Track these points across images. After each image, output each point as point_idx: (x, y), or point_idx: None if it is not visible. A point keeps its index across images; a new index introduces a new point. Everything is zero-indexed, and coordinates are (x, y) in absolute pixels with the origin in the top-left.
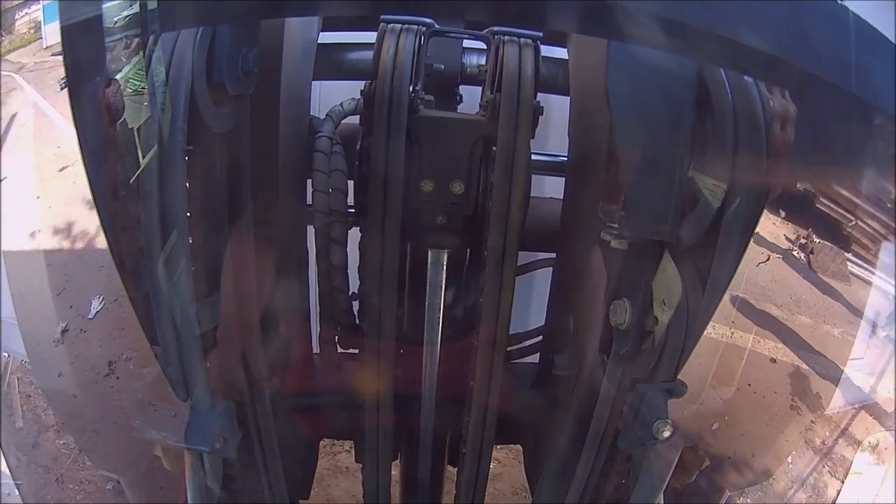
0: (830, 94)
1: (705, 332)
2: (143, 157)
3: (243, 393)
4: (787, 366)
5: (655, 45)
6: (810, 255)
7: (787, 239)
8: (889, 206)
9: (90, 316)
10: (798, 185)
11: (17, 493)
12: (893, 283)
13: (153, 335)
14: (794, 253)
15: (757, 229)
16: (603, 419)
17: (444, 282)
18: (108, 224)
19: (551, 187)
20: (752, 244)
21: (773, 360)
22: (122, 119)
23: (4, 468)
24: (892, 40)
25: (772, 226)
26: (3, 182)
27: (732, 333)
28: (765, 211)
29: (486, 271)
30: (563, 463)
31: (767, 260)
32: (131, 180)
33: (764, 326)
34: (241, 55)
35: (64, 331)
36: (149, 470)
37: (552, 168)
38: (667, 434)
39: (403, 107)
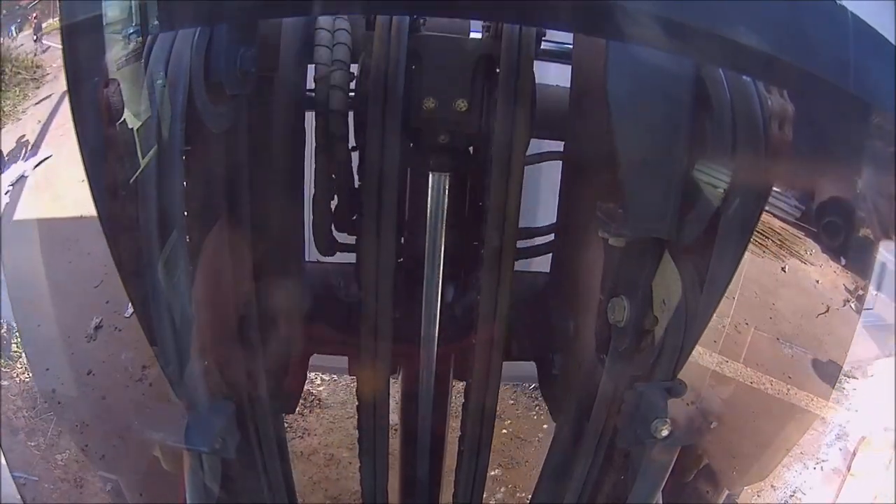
0: (829, 95)
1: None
2: (143, 157)
3: (242, 392)
4: (835, 427)
5: (655, 45)
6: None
7: (847, 289)
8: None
9: (127, 314)
10: (860, 232)
11: (18, 493)
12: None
13: (153, 335)
14: (852, 305)
15: (817, 277)
16: (601, 417)
17: (445, 207)
18: (108, 224)
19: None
20: (813, 292)
21: (826, 422)
22: (121, 119)
23: (4, 468)
24: (892, 40)
25: (832, 274)
26: (48, 160)
27: (788, 390)
28: (825, 258)
29: (483, 266)
30: (562, 461)
31: (826, 312)
32: (131, 180)
33: (818, 384)
34: (238, 55)
35: (97, 326)
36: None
37: (560, 55)
38: (665, 433)
39: (404, 26)
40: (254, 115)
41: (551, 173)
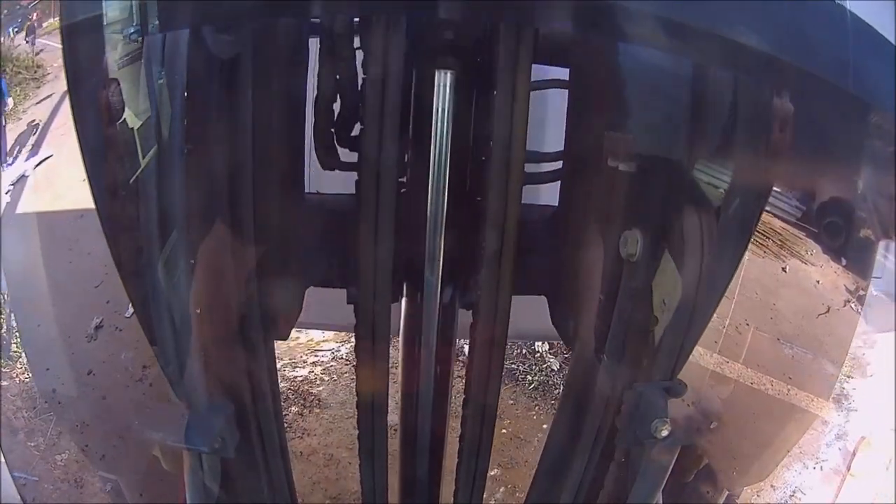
0: (829, 95)
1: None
2: (143, 157)
3: (244, 392)
4: (836, 428)
5: (655, 45)
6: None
7: (847, 290)
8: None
9: (128, 314)
10: (861, 233)
11: (18, 493)
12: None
13: (153, 335)
14: (852, 305)
15: (818, 278)
16: (599, 416)
17: (451, 107)
18: (108, 224)
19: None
20: (814, 292)
21: (826, 422)
22: (122, 119)
23: (4, 468)
24: (892, 40)
25: (833, 275)
26: (48, 160)
27: (789, 390)
28: (826, 259)
29: (483, 268)
30: (558, 460)
31: (827, 312)
32: (131, 180)
33: (819, 384)
34: None
35: (98, 327)
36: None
37: None
38: (665, 433)
39: None
40: (258, 43)
41: (557, 100)
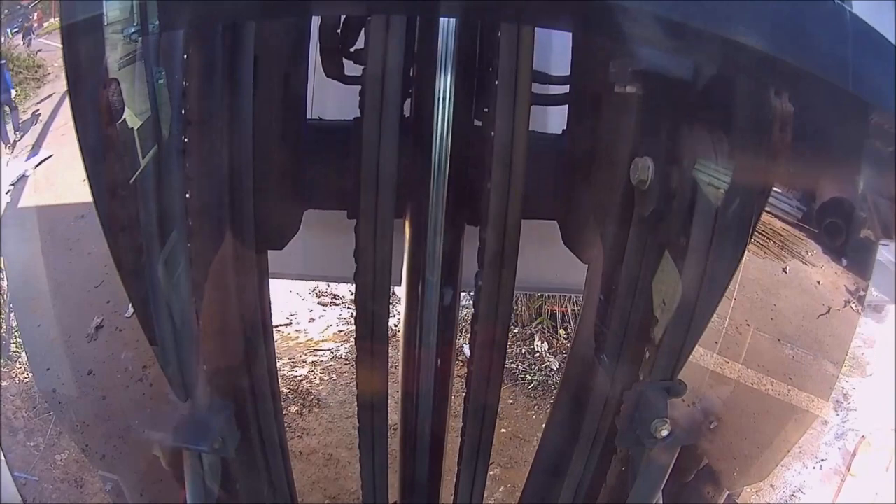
0: (829, 95)
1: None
2: (143, 157)
3: (244, 392)
4: (836, 428)
5: (655, 45)
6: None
7: (848, 290)
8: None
9: (128, 314)
10: (861, 234)
11: (18, 493)
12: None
13: (153, 335)
14: (852, 305)
15: (819, 279)
16: (597, 415)
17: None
18: (108, 224)
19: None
20: (814, 292)
21: (825, 422)
22: (121, 119)
23: (4, 468)
24: (892, 40)
25: (833, 275)
26: (48, 160)
27: (789, 391)
28: (827, 259)
29: (483, 267)
30: (554, 460)
31: (828, 312)
32: (131, 180)
33: (819, 384)
34: None
35: (98, 327)
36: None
37: None
38: (664, 433)
39: None
40: None
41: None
